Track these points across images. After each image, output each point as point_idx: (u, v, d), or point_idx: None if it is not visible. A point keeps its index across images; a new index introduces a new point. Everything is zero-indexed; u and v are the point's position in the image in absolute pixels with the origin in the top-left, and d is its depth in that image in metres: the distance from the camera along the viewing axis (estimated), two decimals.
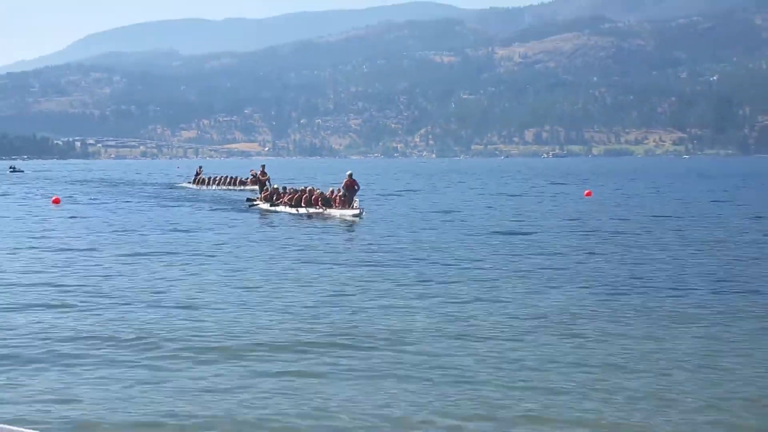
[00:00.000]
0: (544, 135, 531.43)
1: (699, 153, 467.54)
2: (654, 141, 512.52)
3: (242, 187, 74.90)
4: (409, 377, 13.67)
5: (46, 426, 11.10)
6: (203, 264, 26.98)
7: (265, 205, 49.57)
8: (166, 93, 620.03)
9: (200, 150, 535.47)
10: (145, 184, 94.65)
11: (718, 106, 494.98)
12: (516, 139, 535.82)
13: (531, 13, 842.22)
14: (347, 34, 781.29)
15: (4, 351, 15.33)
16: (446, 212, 45.95)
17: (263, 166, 64.66)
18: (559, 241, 33.22)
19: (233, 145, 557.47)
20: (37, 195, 68.71)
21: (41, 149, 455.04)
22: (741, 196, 67.44)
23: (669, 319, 18.18)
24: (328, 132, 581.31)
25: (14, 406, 11.81)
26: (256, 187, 60.93)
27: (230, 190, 76.07)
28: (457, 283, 22.80)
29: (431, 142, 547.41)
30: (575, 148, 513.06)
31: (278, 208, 47.39)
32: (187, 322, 17.84)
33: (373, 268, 25.68)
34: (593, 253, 29.36)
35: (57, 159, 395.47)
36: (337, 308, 19.33)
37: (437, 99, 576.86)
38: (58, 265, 26.83)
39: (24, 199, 67.35)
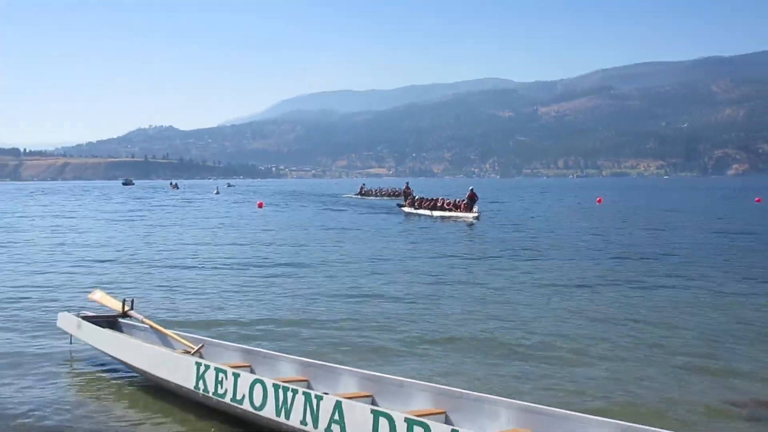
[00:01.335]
0: (570, 162, 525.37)
1: (674, 174, 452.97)
2: (643, 167, 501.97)
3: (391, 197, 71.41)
4: None
5: None
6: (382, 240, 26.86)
7: (410, 209, 46.28)
8: (329, 137, 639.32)
9: (349, 173, 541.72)
10: (322, 194, 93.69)
11: (687, 143, 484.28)
12: (552, 166, 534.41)
13: (562, 84, 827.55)
14: (441, 99, 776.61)
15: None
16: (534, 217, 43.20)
17: (407, 183, 63.51)
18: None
19: (370, 170, 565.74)
20: (248, 201, 69.04)
21: (251, 172, 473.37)
22: (694, 200, 64.00)
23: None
24: (429, 161, 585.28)
25: None
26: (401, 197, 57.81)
27: (386, 198, 72.25)
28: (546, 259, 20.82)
29: (497, 167, 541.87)
30: (591, 171, 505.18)
31: (420, 211, 44.36)
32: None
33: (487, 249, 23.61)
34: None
35: (260, 179, 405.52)
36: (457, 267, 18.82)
37: (500, 140, 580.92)
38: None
39: (238, 203, 67.13)
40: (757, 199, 66.00)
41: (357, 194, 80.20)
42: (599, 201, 63.83)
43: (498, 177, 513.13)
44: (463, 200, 40.66)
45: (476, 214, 37.83)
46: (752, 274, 17.29)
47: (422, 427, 5.25)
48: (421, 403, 6.33)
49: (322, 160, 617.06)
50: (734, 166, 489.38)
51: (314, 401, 5.89)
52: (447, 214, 40.38)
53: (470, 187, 42.78)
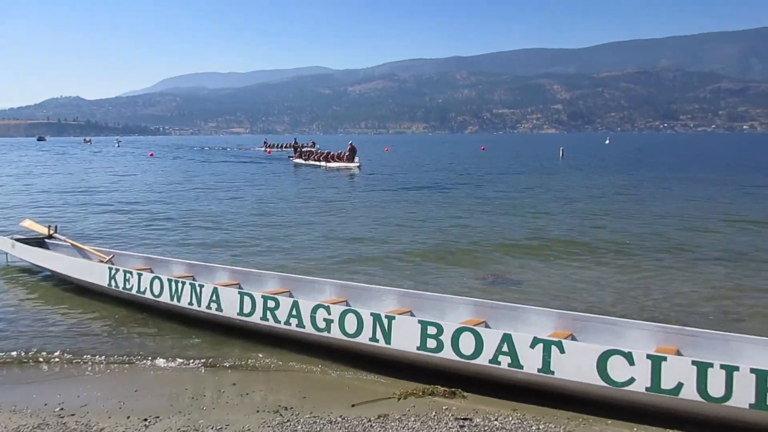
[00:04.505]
0: (369, 125, 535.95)
1: (434, 132, 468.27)
2: (415, 128, 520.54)
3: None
4: None
5: None
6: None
7: (299, 160, 38.71)
8: (201, 105, 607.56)
9: (217, 131, 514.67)
10: (190, 147, 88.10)
11: (441, 112, 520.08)
12: (357, 126, 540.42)
13: (363, 71, 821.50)
14: (283, 79, 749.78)
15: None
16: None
17: (295, 139, 57.88)
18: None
19: (232, 129, 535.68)
20: (143, 152, 63.73)
21: (143, 132, 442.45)
22: (448, 149, 66.77)
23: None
24: (274, 124, 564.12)
25: None
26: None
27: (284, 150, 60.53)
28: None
29: (321, 127, 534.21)
30: (382, 130, 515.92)
31: (309, 162, 37.11)
32: None
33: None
34: None
35: (149, 136, 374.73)
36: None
37: (322, 109, 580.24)
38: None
39: (130, 153, 61.63)
40: (482, 147, 74.49)
41: (261, 147, 68.60)
42: (387, 150, 66.02)
43: (321, 134, 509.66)
44: (346, 152, 35.08)
45: (358, 164, 32.92)
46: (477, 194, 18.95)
47: (274, 301, 5.36)
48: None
49: (197, 122, 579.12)
50: (470, 127, 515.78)
51: (198, 289, 5.86)
52: (333, 164, 34.32)
53: (350, 142, 36.99)
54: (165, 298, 6.11)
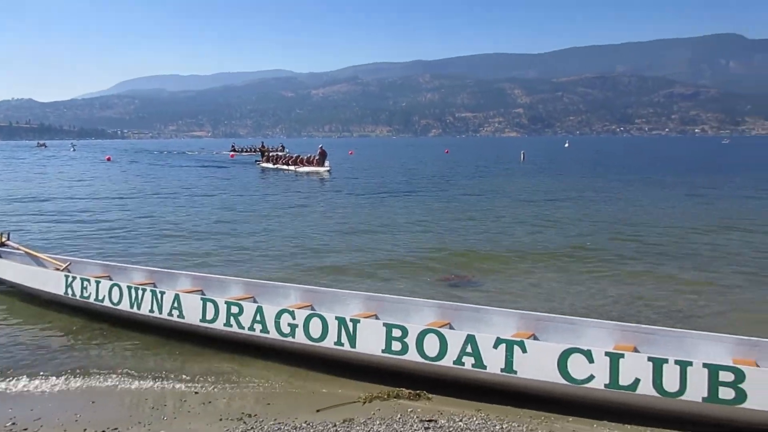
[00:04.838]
0: (333, 128, 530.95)
1: (398, 136, 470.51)
2: (379, 131, 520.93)
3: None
4: None
5: None
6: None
7: (267, 164, 37.42)
8: (161, 107, 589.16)
9: (178, 135, 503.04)
10: (169, 151, 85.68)
11: (405, 116, 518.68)
12: (321, 130, 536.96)
13: (327, 75, 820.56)
14: (245, 82, 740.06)
15: None
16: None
17: (263, 142, 55.05)
18: None
19: (194, 133, 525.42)
20: (99, 156, 61.89)
21: (100, 135, 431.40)
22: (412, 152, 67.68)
23: None
24: (237, 127, 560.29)
25: None
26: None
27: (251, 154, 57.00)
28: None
29: (284, 130, 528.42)
30: (346, 133, 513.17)
31: (278, 167, 35.61)
32: None
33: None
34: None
35: (108, 139, 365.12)
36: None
37: (286, 112, 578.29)
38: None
39: (86, 157, 59.67)
40: (446, 150, 75.56)
41: (228, 151, 66.05)
42: (351, 153, 65.92)
43: (285, 137, 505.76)
44: (315, 156, 33.48)
45: (328, 168, 31.58)
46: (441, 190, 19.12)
47: (237, 307, 5.30)
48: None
49: (157, 126, 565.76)
50: (433, 130, 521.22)
51: (159, 296, 5.74)
52: (303, 168, 32.84)
53: (320, 145, 35.21)
54: (125, 306, 5.95)
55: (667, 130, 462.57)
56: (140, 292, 5.85)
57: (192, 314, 5.49)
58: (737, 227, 12.44)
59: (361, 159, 53.20)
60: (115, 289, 6.03)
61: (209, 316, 5.38)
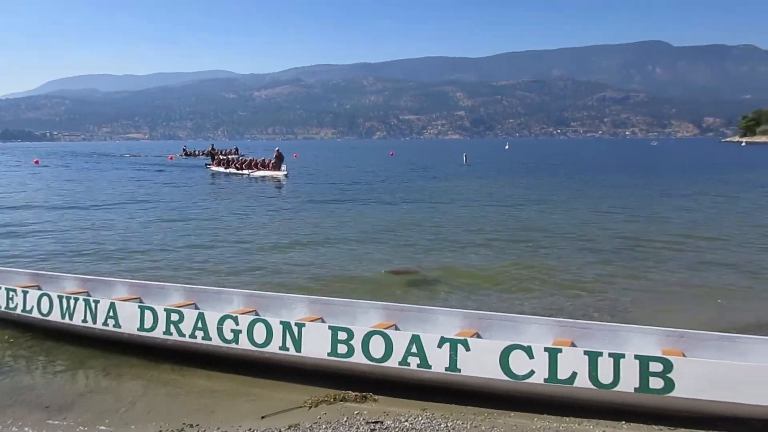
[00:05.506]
0: (277, 130, 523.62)
1: (342, 138, 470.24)
2: (323, 133, 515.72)
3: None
4: None
5: None
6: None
7: (218, 168, 35.69)
8: (94, 108, 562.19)
9: (113, 137, 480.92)
10: (99, 153, 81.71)
11: (350, 118, 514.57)
12: (264, 132, 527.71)
13: (269, 76, 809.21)
14: (184, 83, 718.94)
15: None
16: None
17: (213, 145, 53.96)
18: None
19: (129, 135, 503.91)
20: (27, 160, 58.56)
21: (27, 137, 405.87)
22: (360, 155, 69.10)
23: None
24: (176, 129, 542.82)
25: None
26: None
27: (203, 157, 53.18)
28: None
29: (226, 133, 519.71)
30: (290, 136, 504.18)
31: (229, 171, 33.93)
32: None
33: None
34: None
35: (36, 141, 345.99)
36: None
37: (228, 114, 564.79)
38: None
39: (11, 160, 56.67)
40: (391, 152, 76.06)
41: (181, 155, 63.53)
42: (295, 156, 65.16)
43: (227, 140, 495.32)
44: (271, 160, 31.82)
45: (285, 172, 29.97)
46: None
47: (178, 314, 5.14)
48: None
49: (89, 127, 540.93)
50: (378, 132, 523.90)
51: (93, 305, 5.49)
52: (259, 173, 31.15)
53: (276, 148, 33.73)
54: (55, 317, 5.65)
55: (600, 132, 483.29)
56: (72, 302, 5.57)
57: (129, 323, 5.28)
58: (669, 224, 13.16)
59: (307, 161, 52.75)
60: (45, 299, 5.73)
61: (148, 324, 5.20)
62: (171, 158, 56.89)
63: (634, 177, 29.65)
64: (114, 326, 5.37)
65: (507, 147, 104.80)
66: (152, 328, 5.19)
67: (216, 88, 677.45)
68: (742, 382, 3.70)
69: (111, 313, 5.37)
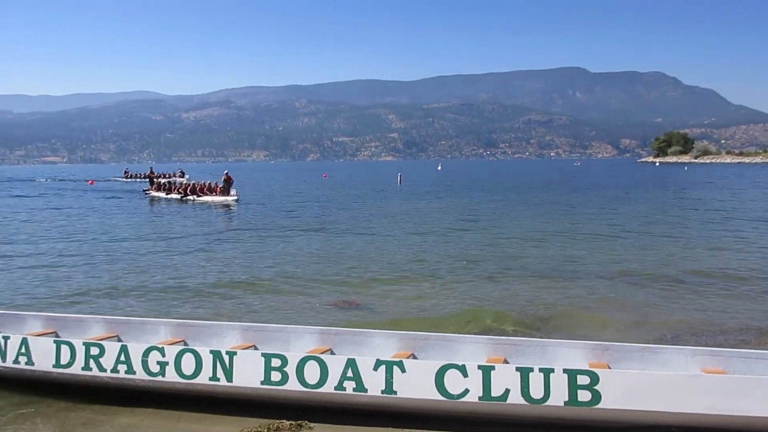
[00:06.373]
0: (207, 153, 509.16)
1: (276, 160, 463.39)
2: (255, 155, 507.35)
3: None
4: None
5: None
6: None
7: (158, 194, 33.10)
8: (4, 131, 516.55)
9: (27, 161, 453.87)
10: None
11: (282, 140, 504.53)
12: (193, 155, 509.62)
13: (197, 98, 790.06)
14: (105, 104, 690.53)
15: None
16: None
17: (151, 168, 52.03)
18: None
19: (46, 158, 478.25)
20: None
21: None
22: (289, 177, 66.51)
23: None
24: (98, 152, 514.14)
25: None
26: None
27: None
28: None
29: (152, 155, 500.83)
30: (221, 158, 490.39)
31: (170, 196, 31.37)
32: None
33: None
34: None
35: None
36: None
37: (154, 136, 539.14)
38: None
39: None
40: (324, 175, 76.08)
41: (122, 177, 61.41)
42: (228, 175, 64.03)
43: (154, 162, 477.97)
44: (219, 184, 29.61)
45: (236, 197, 28.09)
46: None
47: (98, 347, 4.81)
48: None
49: (1, 151, 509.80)
50: (311, 154, 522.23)
51: (2, 341, 5.00)
52: (205, 198, 28.86)
53: (225, 171, 31.61)
54: None
55: (527, 153, 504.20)
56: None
57: (43, 360, 4.90)
58: (589, 238, 13.83)
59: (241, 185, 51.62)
60: None
61: (64, 360, 4.84)
62: (91, 183, 54.25)
63: (579, 196, 31.05)
64: (26, 364, 4.98)
65: (439, 168, 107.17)
66: (69, 364, 4.84)
67: (141, 110, 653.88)
68: (663, 391, 3.85)
69: (23, 350, 4.96)
